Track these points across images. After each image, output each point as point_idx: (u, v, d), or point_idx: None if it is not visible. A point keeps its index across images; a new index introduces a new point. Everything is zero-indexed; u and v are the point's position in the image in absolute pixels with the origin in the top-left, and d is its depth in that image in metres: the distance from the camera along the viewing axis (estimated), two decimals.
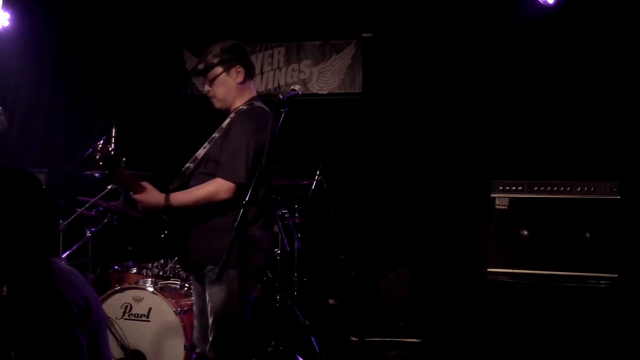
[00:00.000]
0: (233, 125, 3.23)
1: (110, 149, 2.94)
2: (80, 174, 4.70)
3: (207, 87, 3.34)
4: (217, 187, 3.12)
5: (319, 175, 4.83)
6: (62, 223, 4.69)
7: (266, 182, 3.27)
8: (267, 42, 6.27)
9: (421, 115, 5.74)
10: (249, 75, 3.36)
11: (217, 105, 3.37)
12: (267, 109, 3.32)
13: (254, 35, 6.26)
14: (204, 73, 3.29)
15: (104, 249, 5.04)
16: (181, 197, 3.15)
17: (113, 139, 5.41)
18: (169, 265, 4.65)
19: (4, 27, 5.77)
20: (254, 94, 3.40)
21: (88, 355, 2.01)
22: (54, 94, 6.19)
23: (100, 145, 2.89)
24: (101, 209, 4.84)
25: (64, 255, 4.69)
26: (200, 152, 3.31)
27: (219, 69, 3.27)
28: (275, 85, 6.23)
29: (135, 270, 4.65)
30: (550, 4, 5.07)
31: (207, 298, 3.23)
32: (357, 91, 6.05)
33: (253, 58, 6.27)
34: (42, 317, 1.91)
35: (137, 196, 3.10)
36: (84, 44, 6.29)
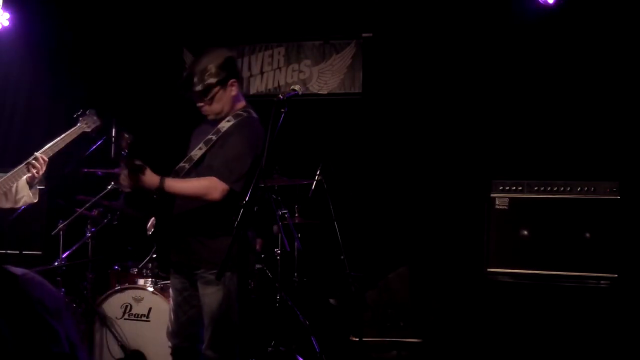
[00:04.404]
0: (235, 131, 3.25)
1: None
2: (80, 171, 4.70)
3: (200, 104, 3.31)
4: (212, 185, 3.14)
5: (319, 175, 4.82)
6: (62, 223, 4.70)
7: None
8: (267, 42, 6.26)
9: (421, 115, 5.73)
10: (240, 85, 3.40)
11: (212, 117, 3.36)
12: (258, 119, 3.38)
13: (254, 35, 6.26)
14: (204, 95, 3.24)
15: (104, 249, 5.04)
16: (175, 184, 3.15)
17: (113, 138, 5.41)
18: None
19: (4, 27, 5.78)
20: (244, 100, 3.44)
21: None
22: (54, 94, 6.19)
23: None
24: (101, 209, 4.84)
25: (64, 255, 4.70)
26: (197, 153, 3.30)
27: (216, 88, 3.24)
28: (275, 85, 6.23)
29: (135, 270, 4.65)
30: (551, 4, 5.07)
31: (202, 299, 3.27)
32: (357, 91, 6.04)
33: (253, 58, 6.36)
34: (14, 315, 1.91)
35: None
36: (84, 43, 6.28)
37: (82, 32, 6.25)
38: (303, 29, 6.15)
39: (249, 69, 6.29)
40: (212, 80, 3.21)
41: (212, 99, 3.26)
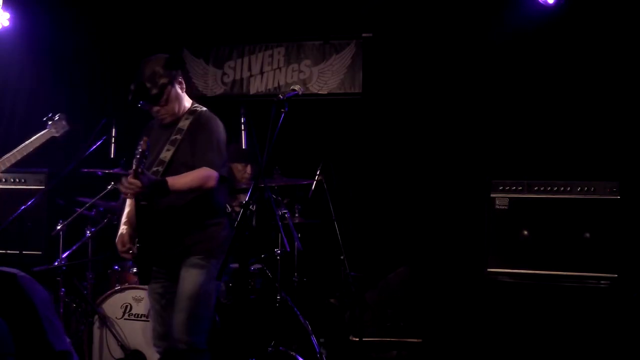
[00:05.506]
0: (200, 126, 3.35)
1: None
2: (80, 171, 4.70)
3: (156, 108, 3.37)
4: (207, 174, 3.22)
5: (319, 175, 4.83)
6: (62, 223, 4.70)
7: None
8: (267, 42, 6.26)
9: (421, 115, 5.74)
10: (185, 81, 3.50)
11: (169, 120, 3.41)
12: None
13: (254, 35, 6.26)
14: (160, 97, 3.32)
15: (104, 249, 5.03)
16: (176, 181, 3.18)
17: (113, 138, 5.42)
18: None
19: (4, 27, 5.78)
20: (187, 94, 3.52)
21: None
22: (54, 94, 6.18)
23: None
24: (101, 209, 4.84)
25: (64, 255, 4.70)
26: (166, 155, 3.33)
27: (169, 87, 3.33)
28: (275, 85, 6.23)
29: (135, 270, 4.64)
30: (551, 4, 5.07)
31: (181, 283, 3.29)
32: (357, 91, 6.04)
33: (253, 58, 6.35)
34: (17, 315, 1.93)
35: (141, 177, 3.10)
36: (84, 43, 6.29)
37: (82, 32, 6.25)
38: (303, 29, 6.15)
39: (249, 69, 6.29)
40: (165, 80, 3.31)
41: (167, 99, 3.34)
